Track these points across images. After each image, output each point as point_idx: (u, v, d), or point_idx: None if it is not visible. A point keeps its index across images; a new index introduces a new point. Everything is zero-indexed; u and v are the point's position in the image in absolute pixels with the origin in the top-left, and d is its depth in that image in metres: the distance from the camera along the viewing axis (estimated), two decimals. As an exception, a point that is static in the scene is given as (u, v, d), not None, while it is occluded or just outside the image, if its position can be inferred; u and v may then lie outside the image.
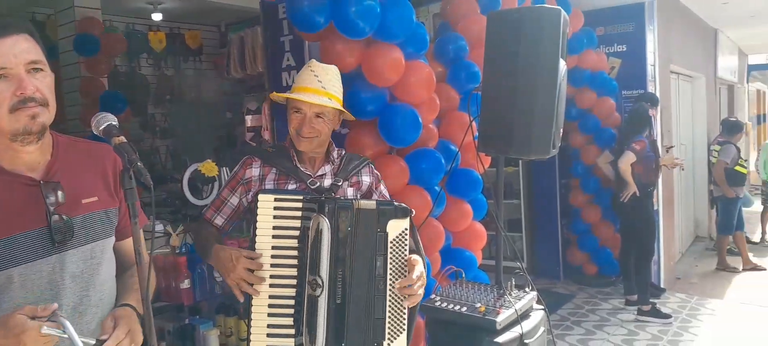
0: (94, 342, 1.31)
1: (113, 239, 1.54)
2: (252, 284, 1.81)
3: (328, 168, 2.11)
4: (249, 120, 4.14)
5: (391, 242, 1.88)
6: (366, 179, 2.19)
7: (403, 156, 3.05)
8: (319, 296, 1.80)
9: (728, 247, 6.67)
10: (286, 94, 2.05)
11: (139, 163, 1.34)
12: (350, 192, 2.13)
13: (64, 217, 1.40)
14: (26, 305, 1.26)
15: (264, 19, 3.40)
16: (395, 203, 1.93)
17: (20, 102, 1.31)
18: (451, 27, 3.76)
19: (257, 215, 1.85)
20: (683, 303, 5.19)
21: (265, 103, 3.61)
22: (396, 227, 1.89)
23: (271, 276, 1.84)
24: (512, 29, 2.75)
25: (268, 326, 1.85)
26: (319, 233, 1.80)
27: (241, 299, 1.85)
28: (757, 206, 8.10)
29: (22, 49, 1.32)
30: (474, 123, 3.10)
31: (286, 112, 2.09)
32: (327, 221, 1.80)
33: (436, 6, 5.10)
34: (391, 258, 1.88)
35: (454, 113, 3.35)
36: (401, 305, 1.92)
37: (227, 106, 7.04)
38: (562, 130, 2.90)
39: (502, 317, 2.55)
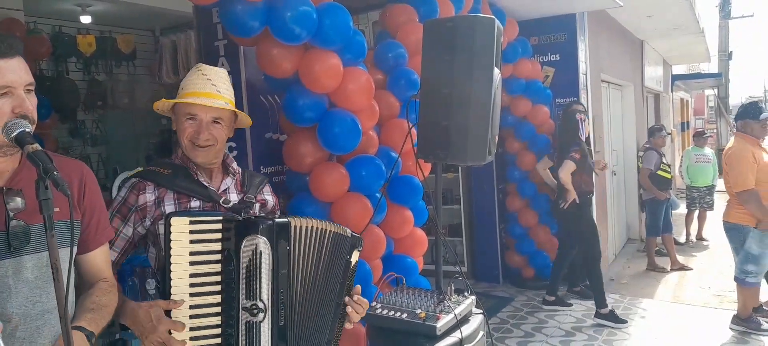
0: None
1: (70, 250, 1.47)
2: None
3: (229, 181, 1.97)
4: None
5: (351, 269, 1.90)
6: (269, 199, 2.12)
7: (343, 163, 3.03)
8: (261, 322, 1.69)
9: (657, 248, 6.98)
10: (180, 99, 1.87)
11: (55, 173, 1.30)
12: (256, 210, 2.02)
13: (21, 223, 1.44)
14: None
15: (197, 23, 3.31)
16: (350, 231, 1.92)
17: (15, 120, 1.39)
18: (390, 35, 3.77)
19: (171, 241, 1.66)
20: (617, 303, 5.38)
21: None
22: (356, 256, 1.91)
23: (191, 306, 1.68)
24: (447, 38, 2.78)
25: None
26: (256, 254, 1.67)
27: None
28: (683, 208, 8.53)
29: (24, 70, 1.43)
30: (414, 130, 3.12)
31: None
32: (266, 241, 1.68)
33: (375, 14, 5.11)
34: (348, 285, 1.91)
35: (394, 120, 3.36)
36: (342, 325, 1.94)
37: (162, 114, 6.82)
38: (497, 137, 2.96)
39: (442, 322, 2.56)
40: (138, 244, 1.92)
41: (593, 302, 5.03)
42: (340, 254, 1.86)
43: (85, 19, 5.95)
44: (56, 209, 1.44)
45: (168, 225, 1.66)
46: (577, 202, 4.88)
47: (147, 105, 6.81)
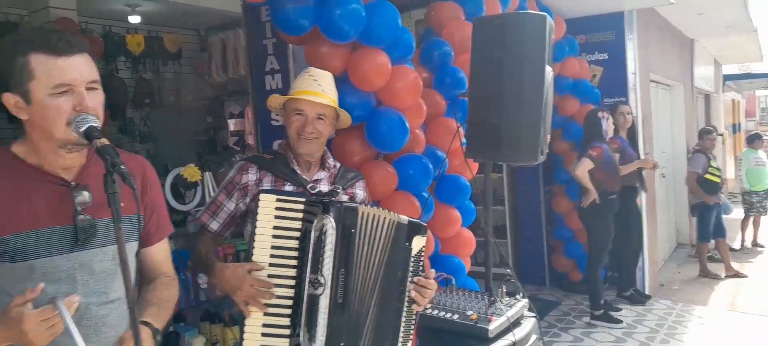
0: None
1: (136, 244, 1.58)
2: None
3: (323, 174, 2.18)
4: (232, 124, 4.06)
5: (414, 256, 1.94)
6: (360, 193, 2.27)
7: (390, 162, 3.00)
8: (320, 295, 1.82)
9: (709, 254, 6.73)
10: (289, 96, 2.11)
11: (122, 166, 1.33)
12: (345, 199, 2.16)
13: (89, 217, 1.48)
14: (46, 298, 1.31)
15: (246, 22, 3.32)
16: (419, 220, 2.01)
17: (78, 116, 1.40)
18: (434, 32, 3.73)
19: (258, 214, 1.85)
20: (669, 310, 5.21)
21: (248, 107, 3.53)
22: (419, 243, 1.95)
23: (269, 276, 1.84)
24: (497, 35, 2.73)
25: (263, 325, 1.85)
26: (323, 232, 1.82)
27: (248, 315, 1.85)
28: (738, 213, 8.21)
29: (88, 68, 1.44)
30: (461, 129, 3.07)
31: (271, 118, 2.10)
32: (332, 221, 1.81)
33: (418, 12, 5.06)
34: (411, 271, 1.95)
35: (441, 119, 3.31)
36: (411, 315, 1.97)
37: (207, 111, 6.93)
38: (549, 137, 2.89)
39: (495, 324, 2.52)
40: (238, 221, 2.14)
41: (642, 307, 4.89)
42: (399, 241, 1.94)
43: (134, 19, 6.08)
44: (121, 204, 1.50)
45: (258, 199, 1.85)
46: (598, 202, 4.75)
47: (192, 103, 6.96)
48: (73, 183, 1.49)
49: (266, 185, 2.08)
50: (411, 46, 2.95)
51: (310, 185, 2.09)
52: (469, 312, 2.62)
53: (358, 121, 2.90)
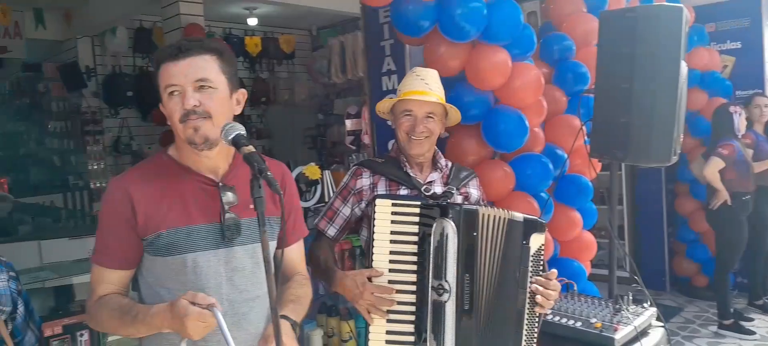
0: None
1: (274, 243, 1.65)
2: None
3: (436, 175, 2.15)
4: (349, 124, 4.15)
5: (532, 256, 1.86)
6: (474, 193, 2.22)
7: (507, 161, 2.94)
8: (446, 302, 1.79)
9: None
10: (397, 97, 2.10)
11: (268, 173, 1.38)
12: (458, 200, 2.12)
13: (234, 216, 1.55)
14: (190, 290, 1.40)
15: (365, 24, 3.38)
16: (536, 217, 1.93)
17: (184, 115, 1.47)
18: (553, 26, 3.60)
19: (374, 219, 1.85)
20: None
21: (364, 107, 3.60)
22: (537, 241, 1.87)
23: (389, 282, 1.84)
24: (628, 29, 2.59)
25: (387, 332, 1.85)
26: (444, 237, 1.79)
27: (371, 322, 1.86)
28: None
29: (195, 68, 1.47)
30: (584, 127, 2.95)
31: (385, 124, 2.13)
32: (453, 225, 1.78)
33: (529, 4, 4.93)
34: (531, 272, 1.87)
35: (562, 116, 3.20)
36: (533, 318, 1.90)
37: (318, 108, 7.17)
38: (682, 136, 2.71)
39: (621, 334, 2.40)
40: (354, 226, 2.15)
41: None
42: (517, 240, 1.86)
43: (252, 22, 6.40)
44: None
45: (373, 205, 1.85)
46: (729, 203, 4.36)
47: (304, 101, 7.24)
48: (220, 183, 1.57)
49: (381, 189, 2.07)
50: (532, 43, 2.87)
51: (424, 186, 2.07)
52: (593, 320, 2.51)
53: (475, 120, 2.87)
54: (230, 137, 1.46)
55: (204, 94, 1.48)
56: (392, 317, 1.84)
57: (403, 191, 2.07)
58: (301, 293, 1.73)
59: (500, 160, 2.98)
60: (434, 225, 1.80)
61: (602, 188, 4.38)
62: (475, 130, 2.89)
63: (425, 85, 2.08)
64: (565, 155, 3.00)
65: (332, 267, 2.01)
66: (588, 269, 3.29)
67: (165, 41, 5.22)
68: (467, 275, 1.80)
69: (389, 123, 2.25)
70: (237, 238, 1.57)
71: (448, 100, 2.92)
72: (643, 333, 2.52)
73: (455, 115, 2.19)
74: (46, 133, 6.98)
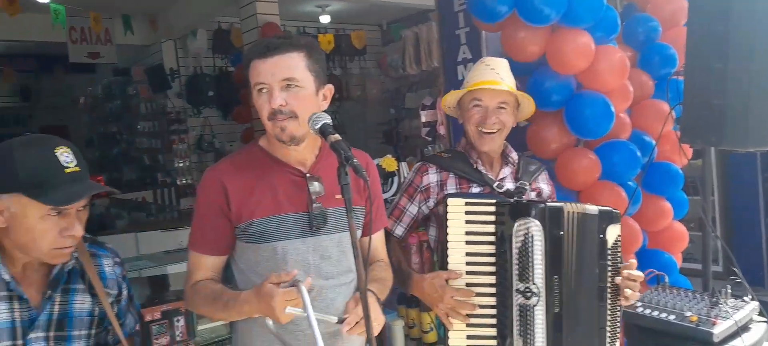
0: (336, 319, 1.47)
1: (359, 232, 1.68)
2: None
3: (507, 170, 2.05)
4: (424, 115, 4.14)
5: (610, 248, 1.78)
6: (545, 188, 2.14)
7: (591, 149, 2.84)
8: (535, 306, 1.71)
9: None
10: (465, 89, 2.01)
11: (355, 160, 1.40)
12: (531, 196, 2.05)
13: (321, 206, 1.59)
14: (279, 275, 1.44)
15: (440, 13, 3.36)
16: (610, 208, 1.82)
17: (271, 114, 1.53)
18: (637, 8, 3.43)
19: (448, 220, 1.78)
20: None
21: (439, 98, 3.58)
22: (613, 233, 1.78)
23: (467, 284, 1.78)
24: (720, 5, 2.44)
25: (468, 336, 1.79)
26: (528, 238, 1.70)
27: (451, 328, 1.81)
28: None
29: (282, 67, 1.51)
30: (673, 111, 2.80)
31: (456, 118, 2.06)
32: (538, 224, 1.69)
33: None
34: (610, 263, 1.78)
35: (649, 101, 3.05)
36: (615, 312, 1.81)
37: (390, 104, 7.21)
38: (785, 118, 2.52)
39: (720, 328, 2.26)
40: (421, 224, 2.09)
41: None
42: (593, 235, 1.78)
43: (325, 19, 6.50)
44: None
45: (445, 205, 1.78)
46: None
47: (376, 95, 7.29)
48: (307, 174, 1.61)
49: (450, 187, 1.99)
50: (616, 24, 2.75)
51: (497, 183, 1.98)
52: (688, 313, 2.39)
53: (557, 107, 2.78)
54: (318, 126, 1.49)
55: (290, 93, 1.52)
56: (472, 320, 1.78)
57: (475, 189, 1.98)
58: (384, 276, 1.77)
59: (585, 148, 2.87)
60: (516, 224, 1.72)
61: (690, 178, 4.17)
62: (557, 117, 2.80)
63: (496, 75, 1.98)
64: (653, 142, 2.85)
65: (407, 269, 1.96)
66: (679, 261, 3.13)
67: (243, 41, 5.40)
68: (555, 277, 1.72)
69: (459, 121, 2.13)
70: (323, 227, 1.61)
71: (528, 86, 2.88)
72: (743, 328, 2.37)
73: (529, 106, 2.07)
74: (135, 133, 7.40)
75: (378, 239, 1.83)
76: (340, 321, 1.48)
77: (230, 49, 6.29)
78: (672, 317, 2.37)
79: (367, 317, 1.38)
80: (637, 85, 2.99)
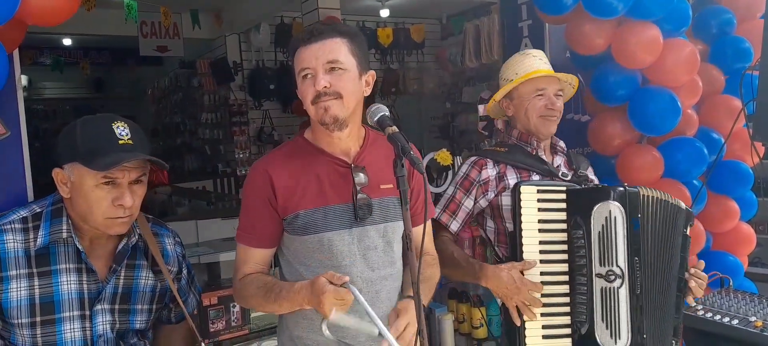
0: (377, 332, 1.42)
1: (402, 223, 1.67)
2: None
3: (559, 159, 2.08)
4: (481, 109, 4.10)
5: (686, 244, 1.84)
6: (594, 179, 2.14)
7: (655, 146, 2.75)
8: (619, 288, 1.72)
9: None
10: (526, 75, 2.00)
11: (411, 152, 1.42)
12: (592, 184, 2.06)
13: (366, 196, 1.59)
14: (329, 269, 1.46)
15: (502, 5, 3.33)
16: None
17: (316, 96, 1.53)
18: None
19: (521, 209, 1.79)
20: None
21: (499, 91, 3.55)
22: (690, 230, 1.85)
23: (542, 273, 1.79)
24: (801, -2, 2.32)
25: (543, 326, 1.80)
26: (610, 221, 1.72)
27: (519, 323, 1.82)
28: None
29: (325, 51, 1.52)
30: (745, 108, 2.68)
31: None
32: (619, 207, 1.71)
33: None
34: (683, 258, 1.83)
35: (718, 96, 2.93)
36: (682, 305, 1.86)
37: (446, 98, 7.18)
38: None
39: (787, 335, 2.17)
40: (475, 219, 2.09)
41: None
42: (678, 227, 1.81)
43: (384, 13, 6.53)
44: (390, 185, 1.60)
45: (518, 193, 1.80)
46: None
47: (433, 90, 7.28)
48: (352, 164, 1.62)
49: (511, 178, 1.98)
50: (686, 17, 2.65)
51: (558, 171, 1.99)
52: (752, 318, 2.30)
53: (621, 102, 2.72)
54: (376, 118, 1.51)
55: (334, 75, 1.53)
56: (545, 310, 1.79)
57: (536, 177, 1.99)
58: (429, 274, 1.74)
59: (648, 145, 2.79)
60: (595, 208, 1.73)
61: (762, 178, 3.97)
62: (621, 113, 2.73)
63: (546, 65, 2.02)
64: (722, 139, 2.74)
65: (473, 260, 1.96)
66: (745, 264, 3.00)
67: (304, 35, 5.50)
68: (637, 259, 1.73)
69: (508, 114, 2.12)
70: (369, 217, 1.61)
71: (592, 80, 2.83)
72: (813, 336, 2.26)
73: (570, 94, 2.14)
74: (198, 124, 7.66)
75: (426, 231, 1.83)
76: (380, 334, 1.46)
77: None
78: (735, 322, 2.29)
79: (418, 313, 1.39)
80: (707, 80, 2.88)
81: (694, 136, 2.81)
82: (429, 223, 1.85)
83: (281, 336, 1.77)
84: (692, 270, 1.87)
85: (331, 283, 1.40)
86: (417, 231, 1.77)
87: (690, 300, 1.87)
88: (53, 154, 1.56)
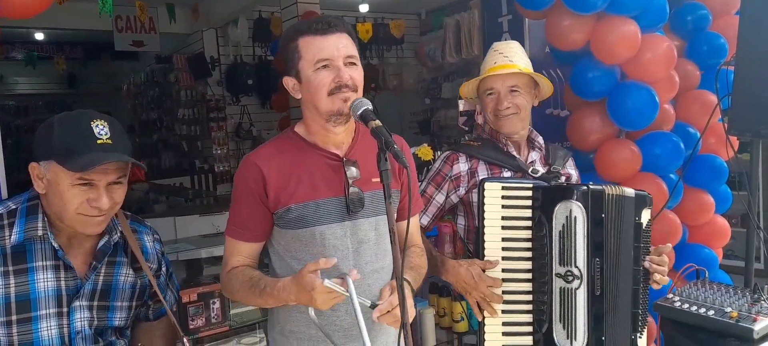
0: (369, 303, 1.45)
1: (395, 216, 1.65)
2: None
3: (535, 155, 2.05)
4: (462, 105, 4.12)
5: (644, 231, 1.77)
6: (573, 173, 2.13)
7: (633, 140, 2.79)
8: (577, 289, 1.70)
9: None
10: (476, 79, 2.03)
11: (395, 146, 1.40)
12: (563, 181, 2.04)
13: (358, 190, 1.59)
14: (316, 262, 1.42)
15: (482, 0, 3.34)
16: (643, 191, 1.81)
17: (336, 88, 1.52)
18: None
19: (484, 205, 1.77)
20: None
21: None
22: (646, 216, 1.78)
23: (503, 270, 1.77)
24: (775, -7, 2.37)
25: (503, 323, 1.78)
26: (570, 220, 1.69)
27: (480, 318, 1.81)
28: None
29: (343, 44, 1.54)
30: (720, 103, 2.73)
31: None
32: (581, 207, 1.68)
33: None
34: (643, 248, 1.78)
35: (694, 92, 2.98)
36: (646, 297, 1.83)
37: (426, 93, 7.19)
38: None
39: (761, 325, 2.19)
40: (446, 213, 2.06)
41: None
42: (630, 218, 1.77)
43: (363, 8, 6.51)
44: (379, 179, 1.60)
45: (482, 189, 1.77)
46: None
47: (412, 85, 7.28)
48: (344, 158, 1.61)
49: (482, 173, 1.97)
50: (664, 13, 2.69)
51: (532, 169, 1.97)
52: (728, 309, 2.33)
53: (600, 96, 2.75)
54: (359, 112, 1.50)
55: (353, 69, 1.54)
56: (507, 308, 1.78)
57: (507, 174, 1.97)
58: (419, 263, 1.75)
59: (626, 139, 2.83)
60: (557, 207, 1.71)
61: (736, 172, 4.05)
62: (600, 108, 2.77)
63: (504, 59, 1.97)
64: (698, 134, 2.79)
65: (439, 255, 1.95)
66: (720, 256, 3.06)
67: (282, 30, 5.46)
68: (597, 259, 1.71)
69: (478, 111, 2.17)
70: (360, 210, 1.61)
71: (571, 76, 2.84)
72: (787, 326, 2.31)
73: (546, 86, 2.04)
74: (175, 120, 7.56)
75: (414, 223, 1.82)
76: (373, 306, 1.47)
77: (270, 37, 6.36)
78: (711, 313, 2.32)
79: (402, 303, 1.37)
80: (683, 75, 2.92)
81: (671, 130, 2.86)
82: (416, 216, 1.85)
83: (272, 331, 1.76)
84: (654, 258, 1.84)
85: (317, 270, 1.39)
86: (411, 222, 1.79)
87: (654, 286, 1.84)
88: (29, 151, 1.53)
